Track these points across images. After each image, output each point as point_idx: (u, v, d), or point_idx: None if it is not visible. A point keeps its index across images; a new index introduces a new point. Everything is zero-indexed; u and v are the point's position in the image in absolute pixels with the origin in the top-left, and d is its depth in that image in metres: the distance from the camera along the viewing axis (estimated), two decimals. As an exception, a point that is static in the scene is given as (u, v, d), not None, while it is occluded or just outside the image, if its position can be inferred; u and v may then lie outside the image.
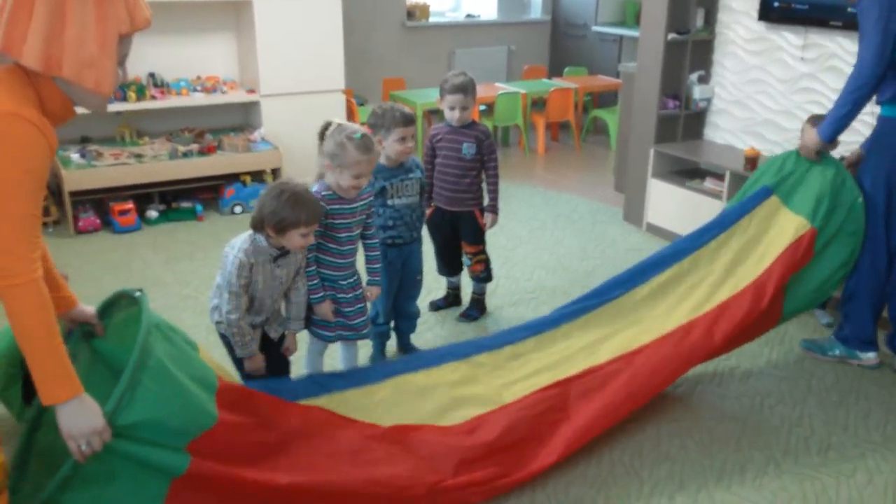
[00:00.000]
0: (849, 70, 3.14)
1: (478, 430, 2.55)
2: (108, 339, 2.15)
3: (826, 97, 4.12)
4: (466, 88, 3.31)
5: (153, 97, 5.08)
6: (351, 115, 5.86)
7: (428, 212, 3.43)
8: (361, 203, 2.68)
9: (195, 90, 5.29)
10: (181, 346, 2.06)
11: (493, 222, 3.51)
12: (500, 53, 8.21)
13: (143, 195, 4.89)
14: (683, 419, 2.91)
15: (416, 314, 3.29)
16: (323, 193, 2.60)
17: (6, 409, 2.61)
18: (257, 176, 5.16)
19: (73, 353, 2.06)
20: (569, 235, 4.85)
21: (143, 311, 1.96)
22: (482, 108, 6.80)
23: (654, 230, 4.89)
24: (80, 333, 2.14)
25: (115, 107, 4.91)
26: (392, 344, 3.33)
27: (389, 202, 3.02)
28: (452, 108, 3.33)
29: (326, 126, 2.62)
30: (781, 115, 4.45)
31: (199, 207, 4.94)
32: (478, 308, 3.70)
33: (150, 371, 1.86)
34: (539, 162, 6.69)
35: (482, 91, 6.03)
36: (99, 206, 4.80)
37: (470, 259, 3.60)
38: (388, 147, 2.93)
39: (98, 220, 4.69)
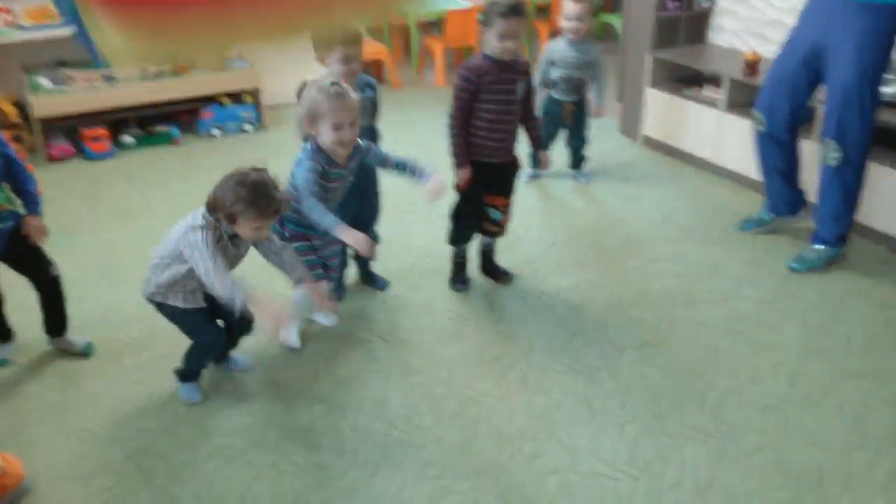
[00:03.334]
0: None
1: None
2: None
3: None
4: (524, 10, 2.68)
5: (126, 16, 4.87)
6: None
7: (464, 175, 2.85)
8: (353, 166, 2.59)
9: (171, 7, 5.05)
10: None
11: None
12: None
13: (120, 120, 4.75)
14: (647, 347, 2.74)
15: (376, 238, 3.12)
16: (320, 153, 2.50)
17: None
18: (237, 98, 4.96)
19: None
20: (558, 148, 4.58)
21: None
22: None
23: (650, 143, 4.61)
24: None
25: (85, 28, 4.72)
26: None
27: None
28: (504, 37, 2.64)
29: (302, 87, 2.49)
30: (789, 14, 4.06)
31: (175, 131, 4.78)
32: (500, 268, 3.24)
33: None
34: (542, 73, 6.33)
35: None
36: (72, 132, 4.67)
37: (502, 213, 3.04)
38: (330, 69, 2.72)
39: (72, 148, 4.57)
